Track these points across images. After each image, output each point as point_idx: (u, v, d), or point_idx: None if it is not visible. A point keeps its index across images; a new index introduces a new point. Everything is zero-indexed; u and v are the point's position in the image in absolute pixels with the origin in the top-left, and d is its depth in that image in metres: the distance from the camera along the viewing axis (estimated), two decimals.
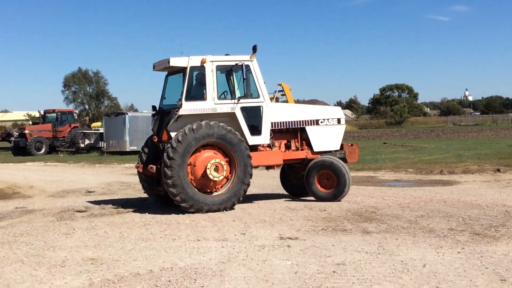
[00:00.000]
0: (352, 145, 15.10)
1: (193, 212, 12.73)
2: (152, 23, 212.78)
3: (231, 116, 13.50)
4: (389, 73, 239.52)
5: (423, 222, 10.91)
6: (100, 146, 43.24)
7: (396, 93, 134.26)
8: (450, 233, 9.74)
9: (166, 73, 14.43)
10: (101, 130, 44.32)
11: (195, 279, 7.36)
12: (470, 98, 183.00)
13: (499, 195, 14.51)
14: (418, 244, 8.98)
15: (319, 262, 8.05)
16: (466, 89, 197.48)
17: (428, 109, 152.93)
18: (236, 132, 13.22)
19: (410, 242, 9.18)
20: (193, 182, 12.96)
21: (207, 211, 12.77)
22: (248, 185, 13.36)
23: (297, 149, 14.61)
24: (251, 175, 13.37)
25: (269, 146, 14.19)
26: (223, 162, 13.00)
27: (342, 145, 14.91)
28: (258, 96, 13.78)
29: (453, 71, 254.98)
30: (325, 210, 12.63)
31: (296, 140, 14.65)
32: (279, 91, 32.07)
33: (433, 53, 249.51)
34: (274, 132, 14.29)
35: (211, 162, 12.88)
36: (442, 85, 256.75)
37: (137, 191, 17.79)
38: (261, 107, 13.80)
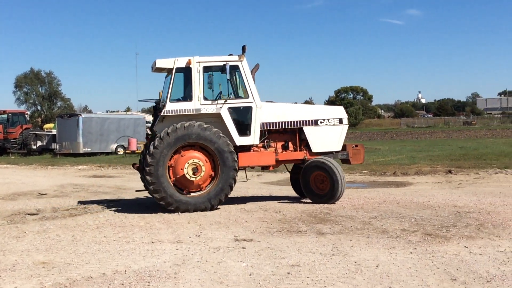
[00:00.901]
0: (356, 146, 14.57)
1: (152, 192, 12.99)
2: (106, 23, 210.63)
3: (218, 116, 13.44)
4: (344, 75, 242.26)
5: (377, 223, 11.04)
6: (52, 147, 42.59)
7: (351, 95, 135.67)
8: (402, 234, 9.88)
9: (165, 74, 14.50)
10: (54, 132, 43.75)
11: (149, 282, 7.29)
12: (423, 101, 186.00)
13: (450, 196, 14.77)
14: (371, 245, 9.08)
15: (273, 263, 8.06)
16: (419, 92, 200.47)
17: (382, 111, 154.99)
18: (236, 159, 13.15)
19: (364, 243, 9.27)
20: (171, 170, 13.09)
21: (161, 198, 12.90)
22: (212, 207, 13.12)
23: (295, 149, 14.31)
24: (220, 201, 13.17)
25: (263, 146, 14.06)
26: (204, 168, 13.05)
27: (345, 146, 14.47)
28: (247, 97, 13.64)
29: (406, 73, 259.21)
30: (280, 212, 12.67)
31: (294, 140, 14.33)
32: None
33: (388, 56, 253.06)
34: (271, 132, 14.18)
35: (194, 161, 13.00)
36: (396, 88, 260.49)
37: (91, 194, 17.57)
38: (251, 108, 13.62)
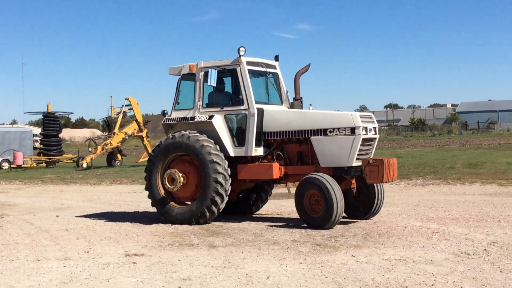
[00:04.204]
0: (374, 160, 11.85)
1: (152, 204, 13.24)
2: None
3: (212, 125, 12.70)
4: None
5: (268, 234, 11.16)
6: None
7: None
8: (293, 245, 10.04)
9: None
10: None
11: None
12: None
13: None
14: (262, 257, 9.16)
15: (164, 278, 7.97)
16: (310, 104, 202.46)
17: None
18: (220, 170, 12.25)
19: (255, 254, 9.34)
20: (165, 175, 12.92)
21: (156, 209, 13.13)
22: (197, 219, 12.44)
23: (307, 163, 12.64)
24: (204, 215, 12.37)
25: (273, 158, 12.76)
26: (180, 178, 12.60)
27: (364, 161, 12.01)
28: (242, 103, 12.67)
29: None
30: (172, 225, 12.56)
31: (306, 152, 12.64)
32: (126, 105, 31.49)
33: (280, 69, 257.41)
34: (285, 142, 12.78)
35: (171, 171, 12.74)
36: None
37: None
38: (245, 116, 12.61)
